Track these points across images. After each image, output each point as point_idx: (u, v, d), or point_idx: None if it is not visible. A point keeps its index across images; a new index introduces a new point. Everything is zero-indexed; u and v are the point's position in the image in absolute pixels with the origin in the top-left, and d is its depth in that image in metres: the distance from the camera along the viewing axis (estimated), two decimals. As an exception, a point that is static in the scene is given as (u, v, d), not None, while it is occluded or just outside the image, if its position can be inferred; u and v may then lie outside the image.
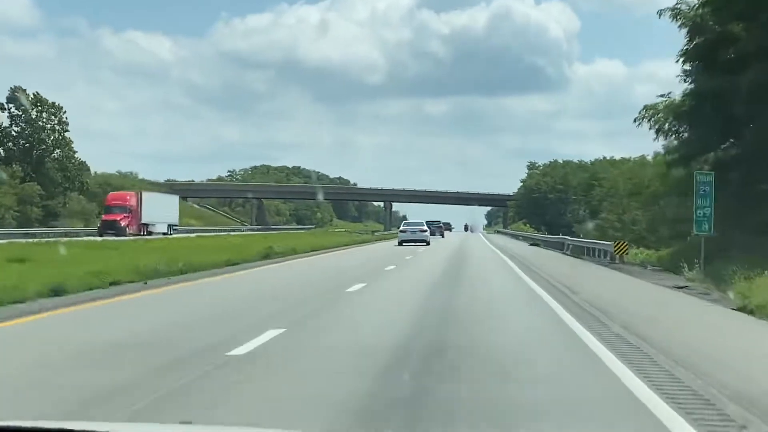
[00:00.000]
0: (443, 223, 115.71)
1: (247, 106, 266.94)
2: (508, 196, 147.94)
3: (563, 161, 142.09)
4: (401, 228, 66.14)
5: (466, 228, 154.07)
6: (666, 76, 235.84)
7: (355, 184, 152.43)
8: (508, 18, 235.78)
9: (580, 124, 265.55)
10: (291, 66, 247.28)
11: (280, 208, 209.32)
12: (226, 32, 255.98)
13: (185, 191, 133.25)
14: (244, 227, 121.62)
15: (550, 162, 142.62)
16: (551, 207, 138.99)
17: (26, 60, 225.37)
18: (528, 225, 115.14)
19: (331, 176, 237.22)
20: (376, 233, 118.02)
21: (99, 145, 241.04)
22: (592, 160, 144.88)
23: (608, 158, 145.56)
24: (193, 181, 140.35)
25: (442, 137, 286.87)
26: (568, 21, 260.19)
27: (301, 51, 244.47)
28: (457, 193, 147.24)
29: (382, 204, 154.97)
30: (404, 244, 59.87)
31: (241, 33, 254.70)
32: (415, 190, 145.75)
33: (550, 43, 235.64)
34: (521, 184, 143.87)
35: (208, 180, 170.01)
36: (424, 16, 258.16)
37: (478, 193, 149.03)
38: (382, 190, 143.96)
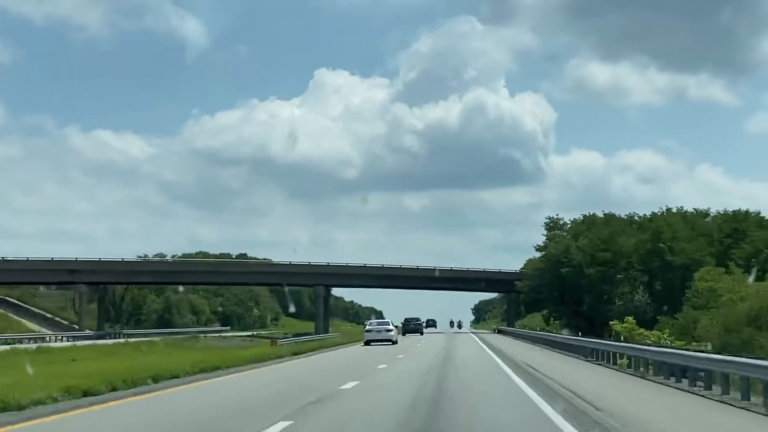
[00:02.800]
0: (428, 320, 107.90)
1: (221, 203, 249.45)
2: (515, 274, 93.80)
3: (605, 214, 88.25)
4: (366, 327, 66.12)
5: (452, 324, 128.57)
6: (642, 165, 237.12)
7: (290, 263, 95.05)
8: (483, 111, 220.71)
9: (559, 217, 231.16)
10: (265, 162, 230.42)
11: (198, 304, 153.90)
12: (197, 130, 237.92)
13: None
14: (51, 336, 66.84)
15: (584, 217, 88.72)
16: (590, 288, 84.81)
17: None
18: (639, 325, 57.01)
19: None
20: (293, 339, 65.96)
21: (71, 245, 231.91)
22: (649, 214, 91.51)
23: (677, 210, 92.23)
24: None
25: (421, 232, 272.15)
26: (543, 113, 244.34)
27: (274, 147, 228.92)
28: (438, 270, 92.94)
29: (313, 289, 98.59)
30: (372, 344, 58.58)
31: (213, 130, 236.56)
32: (365, 266, 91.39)
33: (526, 135, 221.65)
34: (537, 251, 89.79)
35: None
36: (399, 110, 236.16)
37: (470, 271, 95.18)
38: (310, 266, 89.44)
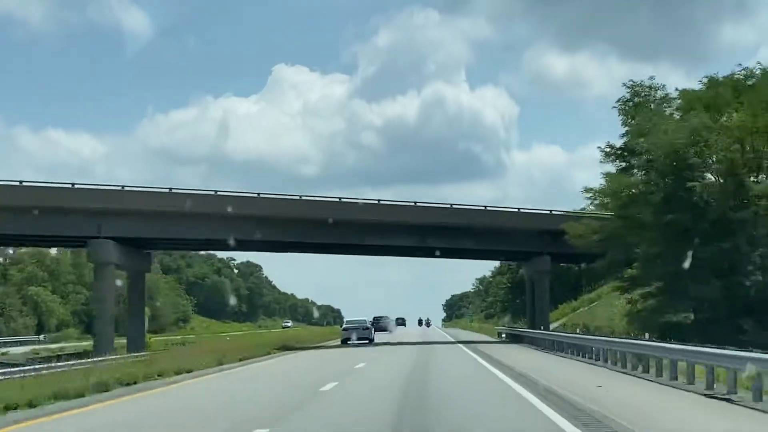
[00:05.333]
0: (397, 319, 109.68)
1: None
2: (556, 217, 44.89)
3: (763, 71, 38.51)
4: (344, 326, 64.16)
5: (420, 323, 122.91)
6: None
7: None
8: (444, 106, 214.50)
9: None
10: (223, 160, 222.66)
11: (45, 300, 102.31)
12: (151, 128, 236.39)
13: None
14: None
15: (708, 80, 39.12)
16: (759, 235, 35.05)
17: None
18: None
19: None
20: None
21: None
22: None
23: None
24: None
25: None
26: (504, 107, 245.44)
27: (232, 144, 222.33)
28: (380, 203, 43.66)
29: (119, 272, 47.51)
30: (349, 341, 57.57)
31: (169, 128, 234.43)
32: (237, 196, 42.32)
33: (487, 130, 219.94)
34: (605, 157, 40.53)
35: None
36: (357, 106, 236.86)
37: (453, 208, 45.90)
38: (74, 191, 40.52)
